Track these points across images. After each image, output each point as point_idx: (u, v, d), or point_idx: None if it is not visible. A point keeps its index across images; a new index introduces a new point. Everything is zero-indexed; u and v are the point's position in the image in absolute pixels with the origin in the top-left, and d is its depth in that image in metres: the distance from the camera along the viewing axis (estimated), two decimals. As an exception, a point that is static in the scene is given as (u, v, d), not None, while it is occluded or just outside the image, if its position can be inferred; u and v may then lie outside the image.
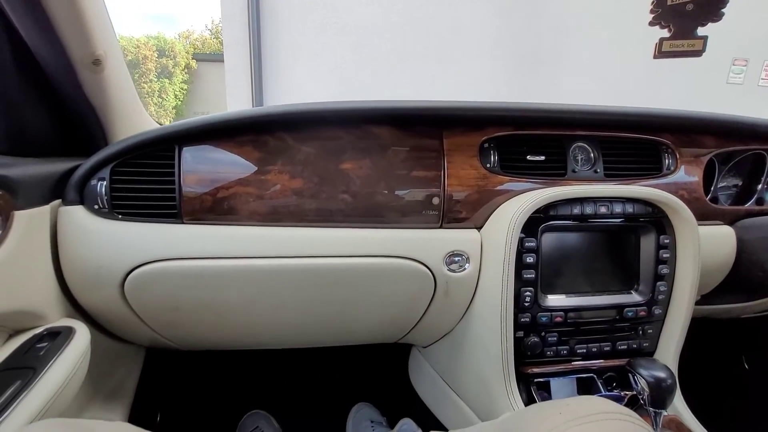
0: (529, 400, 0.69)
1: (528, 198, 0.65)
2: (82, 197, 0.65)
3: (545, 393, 0.72)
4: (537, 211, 0.66)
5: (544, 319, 0.69)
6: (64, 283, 0.66)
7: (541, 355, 0.70)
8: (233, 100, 3.63)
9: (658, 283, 0.71)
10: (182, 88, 11.42)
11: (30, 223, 0.58)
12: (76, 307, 0.69)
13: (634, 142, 0.77)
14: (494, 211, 0.71)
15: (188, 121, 0.66)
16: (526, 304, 0.68)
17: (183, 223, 0.66)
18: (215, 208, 0.66)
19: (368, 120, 0.69)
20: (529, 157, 0.72)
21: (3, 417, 0.44)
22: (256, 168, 0.66)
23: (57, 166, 0.65)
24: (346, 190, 0.68)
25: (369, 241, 0.68)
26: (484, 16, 3.47)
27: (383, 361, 1.12)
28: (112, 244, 0.64)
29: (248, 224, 0.67)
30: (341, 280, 0.70)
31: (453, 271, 0.70)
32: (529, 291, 0.67)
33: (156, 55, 11.25)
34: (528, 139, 0.73)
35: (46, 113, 0.66)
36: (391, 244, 0.69)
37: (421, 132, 0.70)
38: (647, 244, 0.71)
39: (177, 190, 0.65)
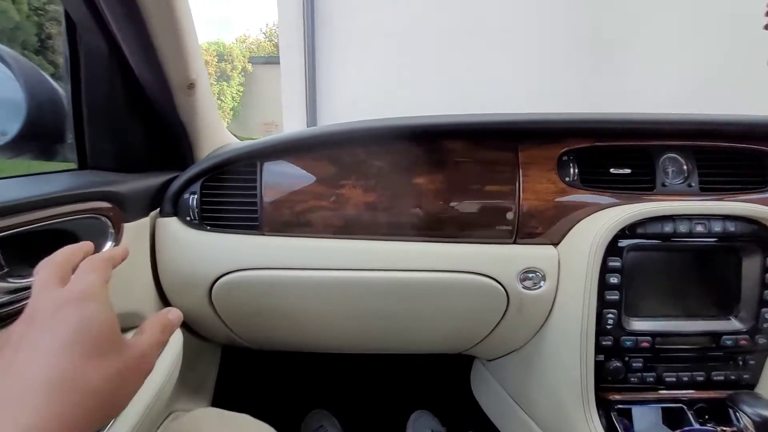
0: (609, 428, 0.65)
1: (614, 215, 0.62)
2: (176, 209, 0.70)
3: (626, 420, 0.67)
4: (622, 229, 0.62)
5: (628, 343, 0.64)
6: (159, 286, 0.72)
7: (624, 380, 0.66)
8: (288, 103, 3.77)
9: (763, 309, 0.64)
10: (239, 91, 12.04)
11: (135, 233, 0.64)
12: (164, 307, 0.75)
13: (733, 152, 0.70)
14: (573, 227, 0.67)
15: (269, 138, 0.69)
16: (609, 327, 0.64)
17: (264, 234, 0.70)
18: (293, 221, 0.69)
19: (441, 134, 0.69)
20: (612, 170, 0.68)
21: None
22: (331, 183, 0.68)
23: (154, 181, 0.71)
24: (418, 204, 0.68)
25: (440, 256, 0.68)
26: (544, 4, 3.31)
27: (444, 370, 1.12)
28: (202, 254, 0.69)
29: (323, 236, 0.69)
30: (411, 294, 0.70)
31: (527, 288, 0.68)
32: (612, 313, 0.64)
33: (216, 60, 11.95)
34: (611, 151, 0.69)
35: (145, 133, 0.72)
36: (463, 260, 0.68)
37: (496, 145, 0.68)
38: (751, 265, 0.64)
39: (258, 203, 0.69)
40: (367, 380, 1.21)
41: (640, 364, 0.65)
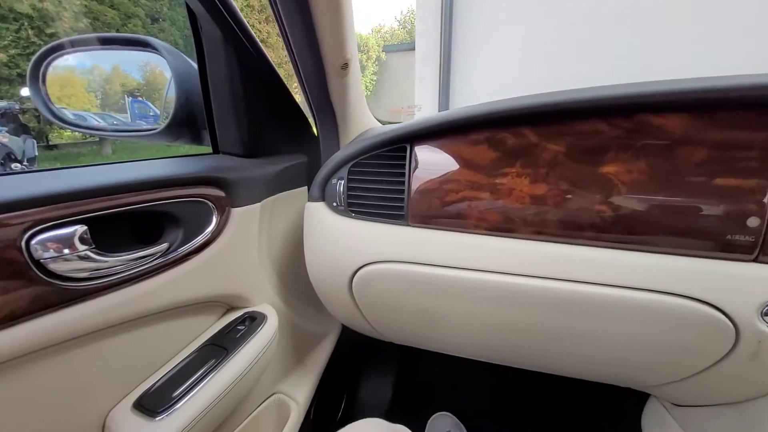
0: None
1: None
2: (324, 195, 0.69)
3: None
4: None
5: None
6: (264, 271, 0.73)
7: None
8: (421, 87, 3.73)
9: None
10: (372, 80, 12.62)
11: (242, 218, 0.64)
12: (272, 293, 0.76)
13: None
14: None
15: (421, 120, 0.62)
16: None
17: (409, 225, 0.64)
18: (442, 212, 0.61)
19: (645, 108, 0.51)
20: None
21: (198, 389, 0.53)
22: (490, 170, 0.58)
23: (271, 168, 0.71)
24: (606, 200, 0.52)
25: (634, 269, 0.52)
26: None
27: (604, 397, 0.92)
28: (345, 242, 0.67)
29: (476, 232, 0.60)
30: (585, 312, 0.56)
31: (775, 328, 0.47)
32: None
33: (353, 52, 12.67)
34: None
35: (270, 119, 0.73)
36: (671, 277, 0.50)
37: (736, 121, 0.48)
38: None
39: (405, 191, 0.63)
40: (500, 393, 1.09)
41: None
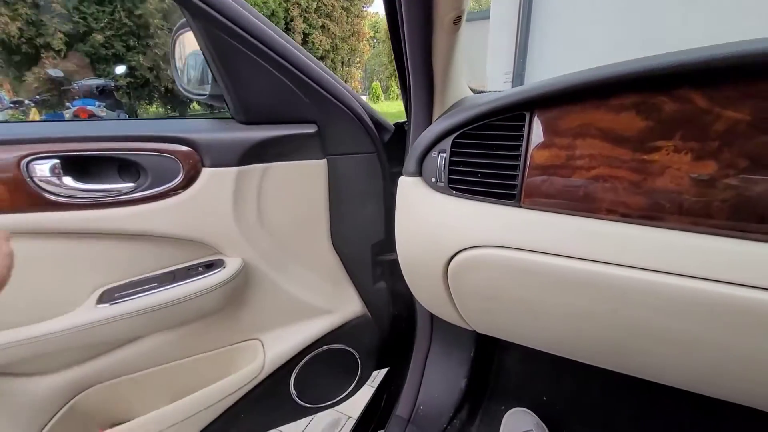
0: None
1: None
2: (421, 169, 0.63)
3: None
4: None
5: None
6: (245, 230, 0.75)
7: None
8: (494, 57, 3.48)
9: None
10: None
11: (214, 177, 0.69)
12: (251, 252, 0.78)
13: None
14: None
15: (545, 82, 0.52)
16: None
17: (520, 206, 0.55)
18: (566, 192, 0.52)
19: None
20: None
21: (133, 298, 0.68)
22: (637, 143, 0.47)
23: (256, 136, 0.70)
24: (809, 184, 0.40)
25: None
26: None
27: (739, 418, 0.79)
28: (445, 222, 0.61)
29: (608, 218, 0.50)
30: (757, 325, 0.44)
31: None
32: None
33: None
34: None
35: (270, 89, 0.71)
36: None
37: None
38: None
39: (521, 166, 0.54)
40: (607, 395, 0.98)
41: None
